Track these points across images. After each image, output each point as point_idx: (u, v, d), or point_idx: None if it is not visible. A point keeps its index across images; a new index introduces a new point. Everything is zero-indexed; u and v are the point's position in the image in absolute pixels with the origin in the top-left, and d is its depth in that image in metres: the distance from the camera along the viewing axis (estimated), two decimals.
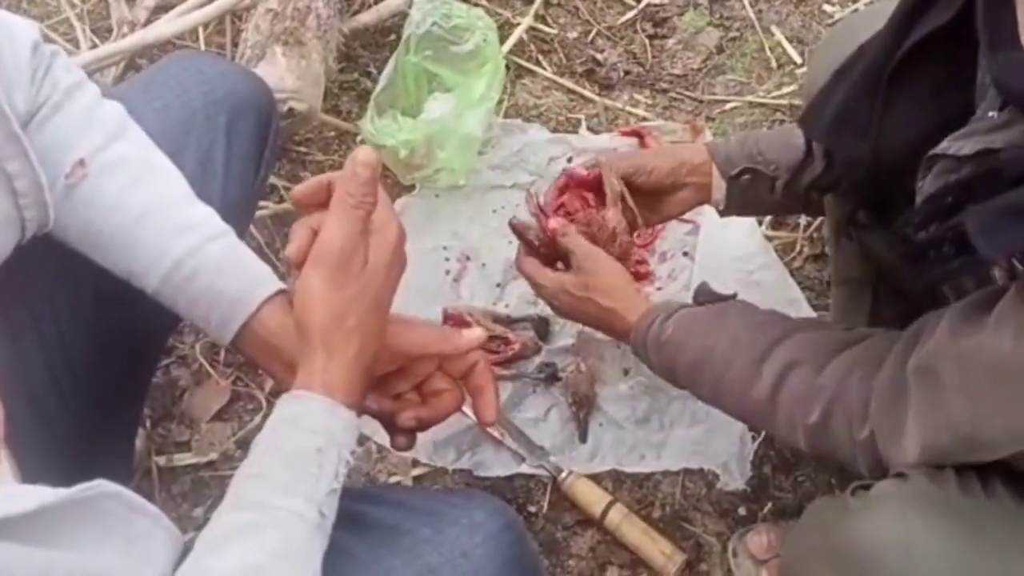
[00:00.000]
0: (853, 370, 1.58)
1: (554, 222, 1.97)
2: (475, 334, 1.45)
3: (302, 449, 1.21)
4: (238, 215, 1.57)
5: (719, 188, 1.98)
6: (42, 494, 1.01)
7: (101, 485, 1.07)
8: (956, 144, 1.43)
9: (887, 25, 1.55)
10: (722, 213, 2.04)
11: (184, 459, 2.33)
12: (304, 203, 1.36)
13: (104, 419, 1.70)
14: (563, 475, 2.26)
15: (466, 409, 2.27)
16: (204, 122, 1.66)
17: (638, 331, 1.88)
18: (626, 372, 2.42)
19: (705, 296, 1.91)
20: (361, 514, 1.37)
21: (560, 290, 1.96)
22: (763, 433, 2.31)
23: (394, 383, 1.48)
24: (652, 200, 2.04)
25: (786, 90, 2.86)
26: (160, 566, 1.13)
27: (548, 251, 2.01)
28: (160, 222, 1.42)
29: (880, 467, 1.55)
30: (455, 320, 2.44)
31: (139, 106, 1.55)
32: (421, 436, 2.22)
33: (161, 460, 2.32)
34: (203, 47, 2.93)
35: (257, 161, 1.76)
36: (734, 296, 1.89)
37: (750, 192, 1.97)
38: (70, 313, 1.59)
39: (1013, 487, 1.44)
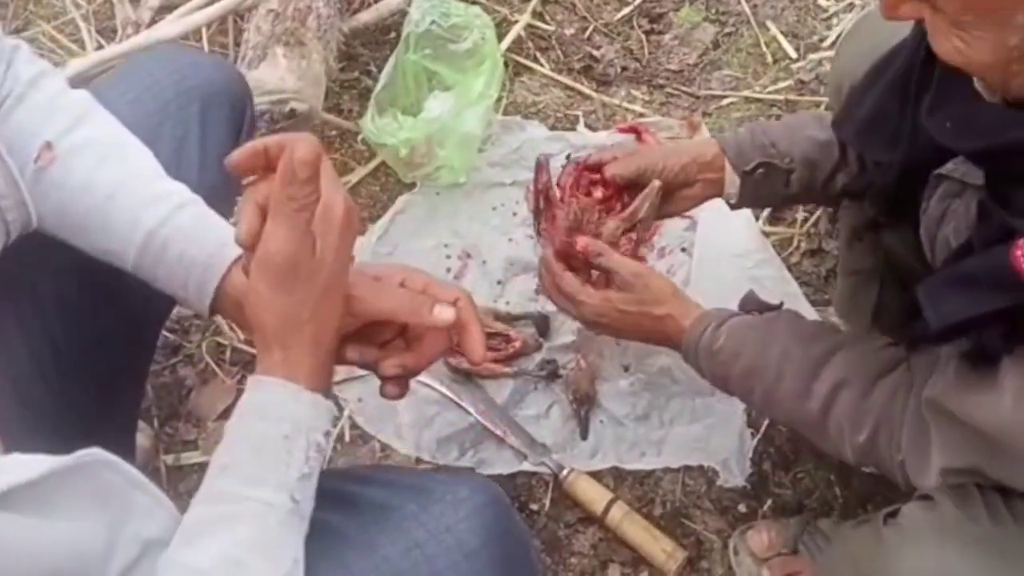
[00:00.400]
0: (896, 395, 1.58)
1: (581, 243, 1.94)
2: (446, 313, 1.36)
3: (269, 437, 1.18)
4: (217, 201, 1.52)
5: (732, 183, 1.94)
6: (25, 466, 1.01)
7: (96, 452, 1.07)
8: (962, 168, 1.41)
9: (915, 25, 1.50)
10: (734, 206, 2.00)
11: (191, 457, 2.32)
12: (241, 169, 1.27)
13: (98, 413, 1.67)
14: (564, 472, 2.25)
15: (467, 405, 2.29)
16: (177, 112, 1.65)
17: (690, 337, 1.85)
18: (626, 369, 2.40)
19: (752, 304, 1.90)
20: (351, 494, 1.36)
21: (609, 309, 1.92)
22: (762, 430, 2.30)
23: (378, 332, 1.42)
24: (659, 198, 1.99)
25: (782, 85, 2.83)
26: (144, 541, 1.12)
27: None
28: (130, 197, 1.40)
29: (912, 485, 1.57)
30: None
31: (112, 100, 1.53)
32: (424, 435, 2.32)
33: (169, 459, 2.31)
34: (206, 47, 2.90)
35: (233, 147, 1.71)
36: (780, 305, 1.88)
37: (764, 186, 1.93)
38: (56, 306, 1.57)
39: None
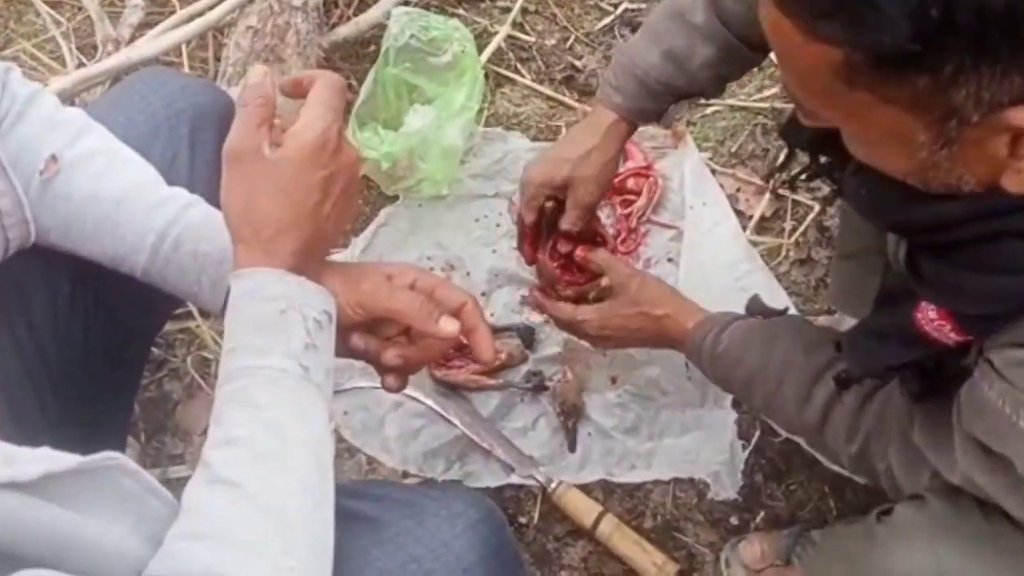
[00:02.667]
0: (887, 406, 1.57)
1: (579, 254, 2.01)
2: (451, 327, 1.38)
3: (265, 315, 1.20)
4: None
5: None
6: (57, 459, 1.01)
7: (119, 458, 1.08)
8: None
9: None
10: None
11: (179, 472, 2.26)
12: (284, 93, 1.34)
13: (89, 425, 1.66)
14: (553, 485, 2.18)
15: (453, 418, 2.22)
16: (168, 133, 1.64)
17: (693, 341, 1.86)
18: (613, 381, 2.33)
19: (758, 308, 1.88)
20: (343, 508, 1.29)
21: (609, 318, 1.95)
22: (754, 442, 2.24)
23: (383, 327, 1.44)
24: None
25: (768, 92, 2.76)
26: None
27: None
28: (138, 202, 1.42)
29: (902, 493, 1.56)
30: None
31: (103, 121, 1.52)
32: (411, 448, 2.26)
33: (156, 473, 2.16)
34: (186, 64, 2.86)
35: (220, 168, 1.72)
36: (786, 310, 1.87)
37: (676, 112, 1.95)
38: (47, 318, 1.55)
39: None
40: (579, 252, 2.00)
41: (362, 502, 1.38)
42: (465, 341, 1.46)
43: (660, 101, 1.86)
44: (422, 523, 1.34)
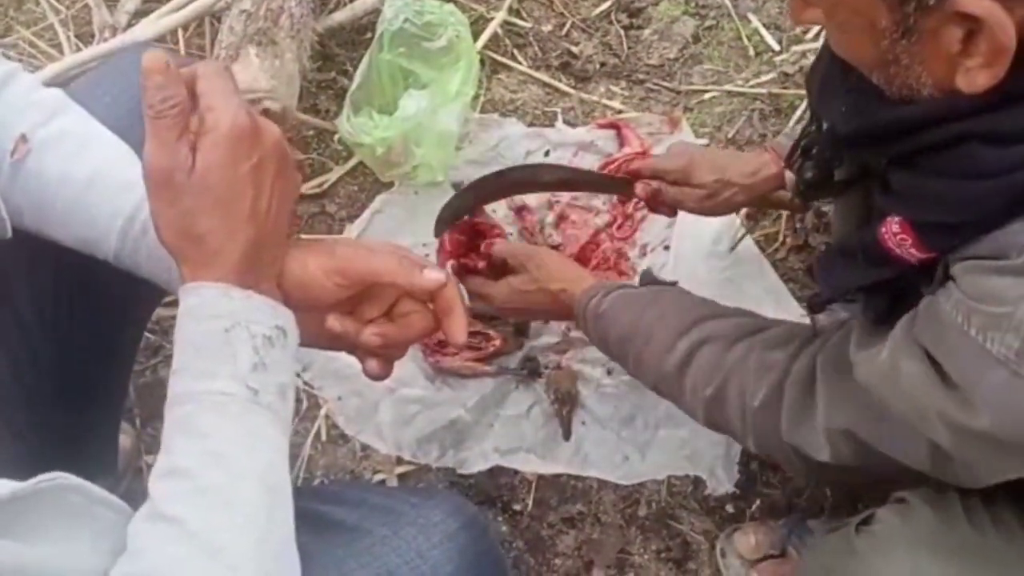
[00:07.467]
0: (751, 352, 1.59)
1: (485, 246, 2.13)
2: (435, 275, 1.31)
3: (209, 334, 1.12)
4: None
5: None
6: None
7: (60, 477, 1.04)
8: None
9: None
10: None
11: None
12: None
13: (80, 419, 1.65)
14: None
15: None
16: None
17: (579, 304, 1.89)
18: (609, 372, 2.27)
19: (648, 280, 1.94)
20: (319, 514, 1.31)
21: (511, 293, 2.02)
22: None
23: (364, 309, 1.35)
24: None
25: (765, 78, 2.69)
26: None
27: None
28: (108, 182, 1.33)
29: (769, 442, 1.56)
30: None
31: (88, 101, 1.44)
32: (405, 434, 2.21)
33: (151, 459, 2.18)
34: (183, 50, 2.79)
35: None
36: (675, 284, 1.92)
37: None
38: (33, 314, 1.51)
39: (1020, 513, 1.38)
40: (484, 247, 2.11)
41: (340, 508, 1.35)
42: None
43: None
44: (398, 532, 1.29)
